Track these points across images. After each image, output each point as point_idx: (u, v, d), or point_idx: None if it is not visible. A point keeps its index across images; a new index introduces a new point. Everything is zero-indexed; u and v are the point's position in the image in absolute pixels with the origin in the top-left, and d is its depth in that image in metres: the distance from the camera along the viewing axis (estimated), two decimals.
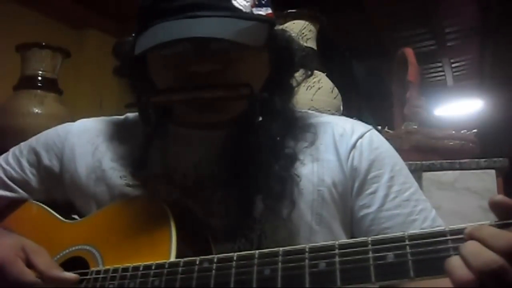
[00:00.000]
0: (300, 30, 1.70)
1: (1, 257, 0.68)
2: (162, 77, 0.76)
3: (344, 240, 0.54)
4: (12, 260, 0.68)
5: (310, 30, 1.74)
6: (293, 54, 0.81)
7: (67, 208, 0.85)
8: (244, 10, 0.72)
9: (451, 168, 1.66)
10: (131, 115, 0.91)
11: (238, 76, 0.73)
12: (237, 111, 0.76)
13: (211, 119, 0.77)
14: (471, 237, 0.47)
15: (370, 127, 0.84)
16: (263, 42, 0.73)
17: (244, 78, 0.73)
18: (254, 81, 0.75)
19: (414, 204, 0.76)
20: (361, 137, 0.80)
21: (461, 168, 1.65)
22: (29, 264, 0.69)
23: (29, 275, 0.67)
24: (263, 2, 0.76)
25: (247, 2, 0.73)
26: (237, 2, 0.71)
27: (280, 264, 0.55)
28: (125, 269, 0.66)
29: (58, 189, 0.86)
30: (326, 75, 1.73)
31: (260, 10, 0.75)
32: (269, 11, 0.77)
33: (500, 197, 0.49)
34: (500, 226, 0.48)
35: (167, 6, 0.70)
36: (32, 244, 0.71)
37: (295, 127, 0.80)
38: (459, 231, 0.49)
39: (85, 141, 0.85)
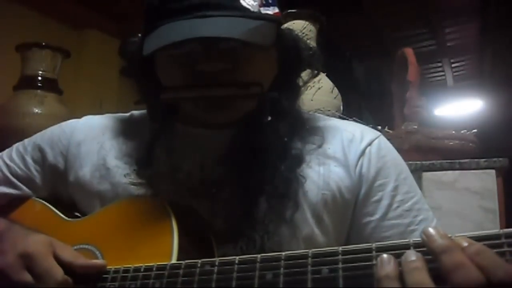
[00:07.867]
0: (300, 30, 1.67)
1: (36, 251, 0.67)
2: (169, 76, 0.76)
3: (348, 246, 0.53)
4: (46, 254, 0.68)
5: (310, 30, 1.74)
6: (300, 53, 0.81)
7: (70, 206, 0.84)
8: (252, 9, 0.71)
9: (451, 168, 1.66)
10: (136, 112, 0.90)
11: (247, 75, 0.72)
12: (245, 110, 0.75)
13: (219, 119, 0.76)
14: (472, 258, 0.45)
15: (378, 133, 0.83)
16: (272, 41, 0.72)
17: (252, 77, 0.73)
18: (263, 81, 0.74)
19: (415, 214, 0.76)
20: (370, 144, 0.80)
21: (461, 168, 1.65)
22: (56, 259, 0.68)
23: (60, 269, 0.67)
24: (270, 1, 0.75)
25: (255, 1, 0.72)
26: (245, 2, 0.71)
27: (282, 269, 0.54)
28: (126, 271, 0.66)
29: (62, 187, 0.85)
30: (326, 75, 1.72)
31: (268, 10, 0.74)
32: (276, 10, 0.76)
33: None
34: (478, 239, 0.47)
35: (175, 6, 0.69)
36: (57, 241, 0.71)
37: (303, 129, 0.80)
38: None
39: (90, 138, 0.84)
